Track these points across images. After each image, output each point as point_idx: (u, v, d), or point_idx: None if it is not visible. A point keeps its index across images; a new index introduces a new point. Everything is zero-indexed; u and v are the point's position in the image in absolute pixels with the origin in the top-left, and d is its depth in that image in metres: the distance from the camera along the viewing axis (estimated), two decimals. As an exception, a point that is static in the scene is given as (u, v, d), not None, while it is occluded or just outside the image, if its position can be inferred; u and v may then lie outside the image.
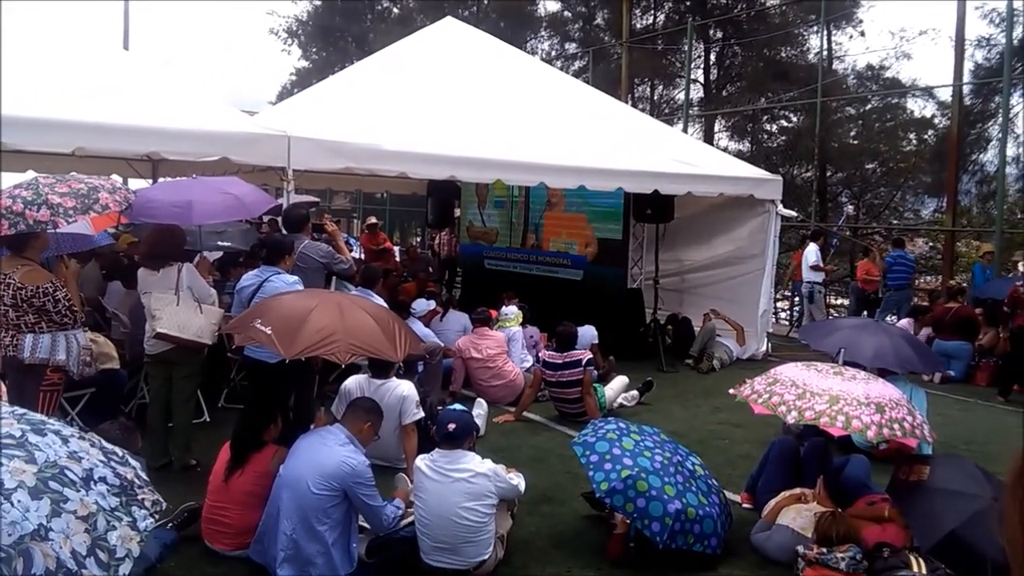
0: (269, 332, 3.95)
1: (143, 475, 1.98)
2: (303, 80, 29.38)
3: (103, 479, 1.82)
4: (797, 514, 4.36)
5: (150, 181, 10.06)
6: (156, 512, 1.90)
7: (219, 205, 5.54)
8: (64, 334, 4.64)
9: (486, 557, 4.01)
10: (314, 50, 32.93)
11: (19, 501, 1.61)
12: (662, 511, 4.04)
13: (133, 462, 2.00)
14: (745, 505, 5.09)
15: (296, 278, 5.32)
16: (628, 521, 4.24)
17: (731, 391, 4.64)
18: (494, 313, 8.13)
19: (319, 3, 31.96)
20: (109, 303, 7.18)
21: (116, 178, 8.08)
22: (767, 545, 4.38)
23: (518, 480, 4.31)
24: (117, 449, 2.01)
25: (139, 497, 1.88)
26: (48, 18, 7.13)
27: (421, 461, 4.14)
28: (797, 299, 13.85)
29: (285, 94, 29.34)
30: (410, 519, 4.17)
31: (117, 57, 7.61)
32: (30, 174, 6.46)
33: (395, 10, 32.16)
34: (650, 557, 4.19)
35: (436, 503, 3.97)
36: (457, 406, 4.48)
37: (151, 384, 5.66)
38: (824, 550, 3.95)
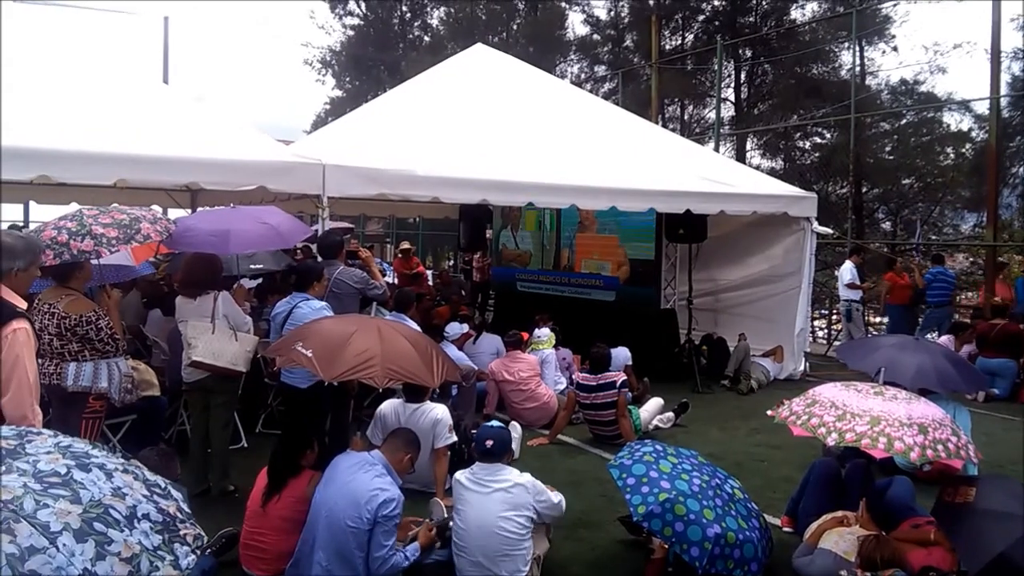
0: (310, 355, 4.03)
1: (185, 507, 1.97)
2: (337, 109, 29.94)
3: (146, 516, 1.82)
4: (840, 538, 4.26)
5: (189, 211, 10.28)
6: (198, 547, 1.88)
7: (255, 234, 5.65)
8: (106, 362, 4.73)
9: (522, 575, 3.99)
10: (347, 79, 33.57)
11: (64, 544, 1.60)
12: (701, 535, 3.97)
13: (175, 493, 2.00)
14: (786, 529, 5.00)
15: (324, 303, 5.38)
16: (666, 546, 4.19)
17: (769, 413, 4.57)
18: (526, 335, 8.13)
19: (352, 33, 32.58)
20: (150, 331, 7.32)
21: (156, 208, 8.29)
22: (809, 570, 4.28)
23: (559, 497, 4.29)
24: (160, 480, 2.00)
25: (181, 533, 1.87)
26: (90, 53, 7.36)
27: (461, 475, 4.19)
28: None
29: (320, 123, 29.92)
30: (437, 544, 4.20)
31: (157, 90, 7.82)
32: (74, 206, 6.65)
33: (426, 38, 32.66)
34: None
35: (476, 513, 4.00)
36: (494, 422, 4.49)
37: (191, 412, 5.74)
38: (868, 575, 3.86)
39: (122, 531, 1.72)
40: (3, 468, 1.73)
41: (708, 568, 3.95)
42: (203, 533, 1.95)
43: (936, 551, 4.04)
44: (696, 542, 3.96)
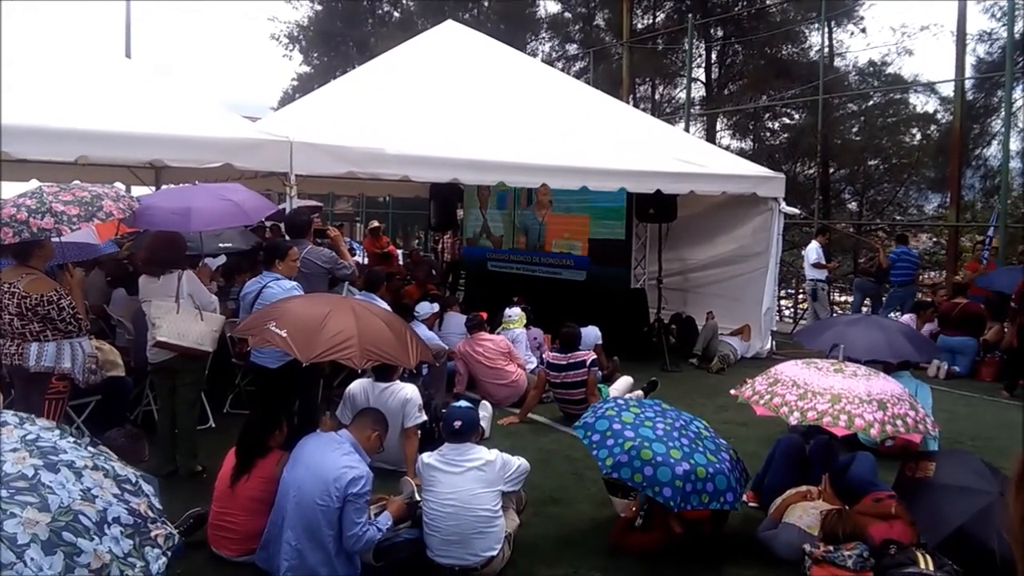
0: (285, 335, 3.95)
1: (156, 503, 1.91)
2: (305, 85, 29.44)
3: (117, 519, 1.76)
4: (803, 512, 4.35)
5: (153, 188, 10.10)
6: (169, 548, 1.83)
7: (217, 211, 5.55)
8: (69, 342, 4.66)
9: (495, 553, 4.02)
10: (315, 55, 32.99)
11: (32, 559, 1.54)
12: (671, 475, 4.02)
13: (146, 488, 1.93)
14: (751, 504, 5.08)
15: (294, 284, 5.32)
16: (633, 508, 4.28)
17: (732, 392, 4.63)
18: (484, 315, 8.13)
19: (320, 8, 32.03)
20: (114, 311, 7.20)
21: (119, 186, 8.12)
22: (774, 543, 4.37)
23: (519, 460, 4.30)
24: (130, 474, 1.93)
25: (152, 534, 1.81)
26: (50, 27, 7.16)
27: (429, 457, 4.17)
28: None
29: (287, 99, 29.40)
30: (407, 523, 4.21)
31: (119, 65, 7.64)
32: (34, 183, 6.49)
33: (396, 14, 32.22)
34: (658, 555, 4.21)
35: (449, 492, 4.00)
36: (462, 403, 4.49)
37: (159, 393, 5.68)
38: (831, 548, 3.94)
39: (92, 539, 1.66)
40: None
41: (683, 505, 4.01)
42: (174, 532, 1.90)
43: (897, 525, 4.14)
44: (667, 482, 4.01)
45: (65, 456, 1.82)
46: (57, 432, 1.91)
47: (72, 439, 1.92)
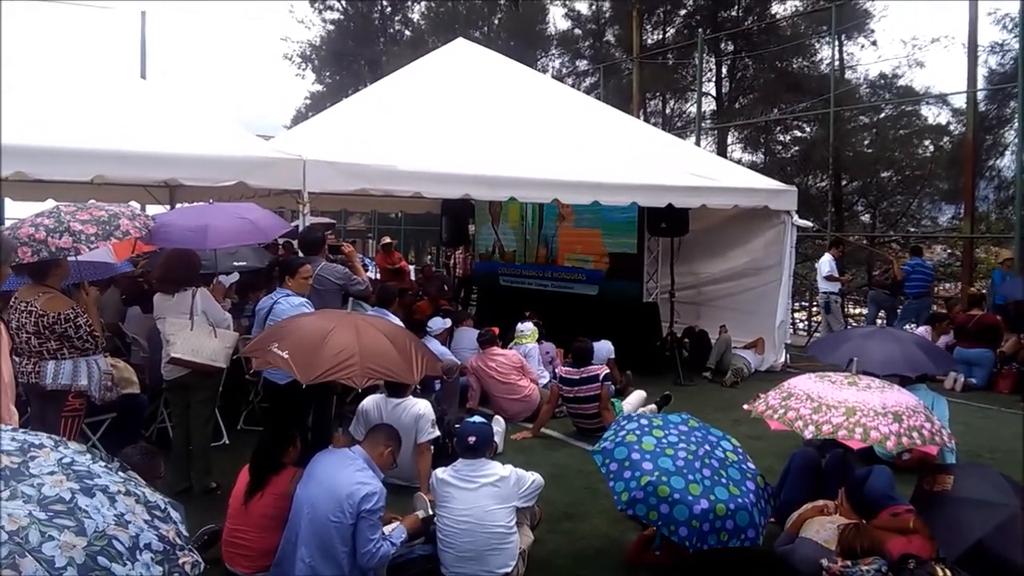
0: (286, 356, 3.95)
1: (183, 530, 1.92)
2: (317, 104, 29.71)
3: (148, 546, 1.76)
4: (820, 527, 4.30)
5: (168, 207, 10.18)
6: (196, 575, 1.85)
7: (234, 229, 5.62)
8: (85, 360, 4.69)
9: (509, 569, 4.01)
10: (328, 74, 33.35)
11: None
12: (688, 514, 3.90)
13: (174, 515, 1.94)
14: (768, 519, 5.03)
15: (304, 300, 5.35)
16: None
17: (746, 407, 4.58)
18: (496, 330, 8.13)
19: (332, 28, 32.38)
20: (129, 328, 7.26)
21: (134, 205, 8.20)
22: (791, 558, 4.32)
23: (533, 476, 4.28)
24: (160, 501, 1.94)
25: (180, 561, 1.81)
26: (66, 48, 7.27)
27: (444, 473, 4.17)
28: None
29: (300, 118, 29.68)
30: (421, 539, 4.20)
31: (134, 85, 7.73)
32: (51, 203, 6.57)
33: (407, 32, 32.51)
34: (674, 572, 4.17)
35: (463, 509, 4.00)
36: (476, 418, 4.48)
37: (173, 409, 5.71)
38: (849, 563, 3.89)
39: (124, 565, 1.67)
40: (7, 494, 1.65)
41: (699, 545, 3.90)
42: (201, 560, 1.92)
43: (915, 539, 4.08)
44: (683, 521, 3.90)
45: (99, 480, 1.83)
46: (89, 456, 1.92)
47: (103, 463, 1.92)
